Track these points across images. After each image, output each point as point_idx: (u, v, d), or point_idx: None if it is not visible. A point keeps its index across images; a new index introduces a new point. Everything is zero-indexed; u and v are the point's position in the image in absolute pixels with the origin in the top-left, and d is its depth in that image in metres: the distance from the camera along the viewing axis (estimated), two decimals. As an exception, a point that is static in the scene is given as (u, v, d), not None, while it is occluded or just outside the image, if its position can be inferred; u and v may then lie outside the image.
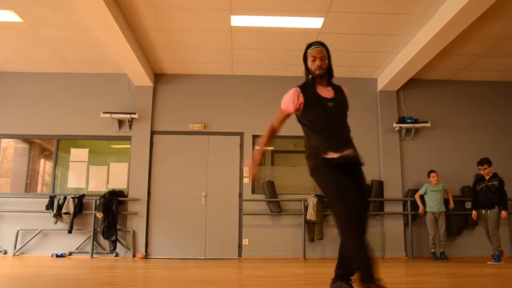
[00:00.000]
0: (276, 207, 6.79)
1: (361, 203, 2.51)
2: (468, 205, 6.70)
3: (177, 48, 6.43)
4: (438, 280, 3.67)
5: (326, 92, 2.67)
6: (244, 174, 7.05)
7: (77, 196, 6.72)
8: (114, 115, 6.94)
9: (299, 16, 5.47)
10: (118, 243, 6.65)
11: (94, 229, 6.65)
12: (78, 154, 7.16)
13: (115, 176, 7.11)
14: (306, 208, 6.75)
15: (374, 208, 6.92)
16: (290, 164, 7.47)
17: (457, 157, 7.19)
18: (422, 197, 6.69)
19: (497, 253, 5.65)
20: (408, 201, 6.89)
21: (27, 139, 7.39)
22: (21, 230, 6.68)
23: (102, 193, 6.75)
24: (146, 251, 6.75)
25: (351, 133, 2.75)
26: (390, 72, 6.86)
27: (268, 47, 6.37)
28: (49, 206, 6.63)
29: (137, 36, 6.02)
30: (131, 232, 6.73)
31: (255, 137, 7.19)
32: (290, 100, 2.64)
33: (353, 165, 2.60)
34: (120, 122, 7.10)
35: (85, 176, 7.08)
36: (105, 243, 6.67)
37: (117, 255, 6.66)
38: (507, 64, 6.86)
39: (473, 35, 5.83)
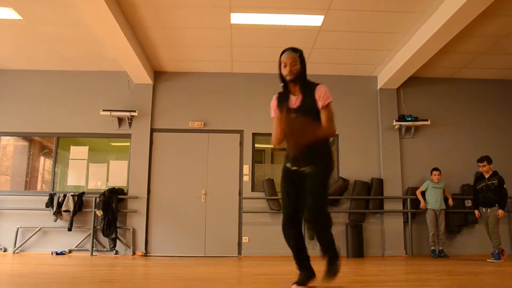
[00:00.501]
0: (276, 205, 6.79)
1: (307, 207, 2.72)
2: (468, 203, 6.71)
3: (177, 46, 6.41)
4: (438, 278, 3.67)
5: (294, 101, 2.82)
6: (244, 172, 7.05)
7: (77, 193, 6.72)
8: (114, 113, 6.93)
9: (299, 14, 5.46)
10: (118, 241, 6.66)
11: (94, 227, 6.65)
12: (78, 152, 7.15)
13: (115, 174, 7.11)
14: (306, 206, 6.74)
15: (374, 206, 6.92)
16: (290, 162, 7.46)
17: (457, 155, 7.19)
18: (423, 194, 6.71)
19: (496, 251, 5.65)
20: (408, 199, 6.89)
21: (27, 137, 7.38)
22: (21, 227, 6.68)
23: (102, 191, 6.75)
24: (146, 249, 6.75)
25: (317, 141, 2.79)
26: (390, 70, 6.86)
27: (268, 45, 6.36)
28: (49, 204, 6.63)
29: (137, 33, 6.00)
30: (131, 230, 6.73)
31: (255, 135, 7.19)
32: (273, 106, 2.91)
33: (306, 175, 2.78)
34: (120, 120, 7.09)
35: (85, 173, 7.08)
36: (105, 241, 6.67)
37: (117, 252, 6.66)
38: (507, 62, 6.84)
39: (473, 33, 5.82)
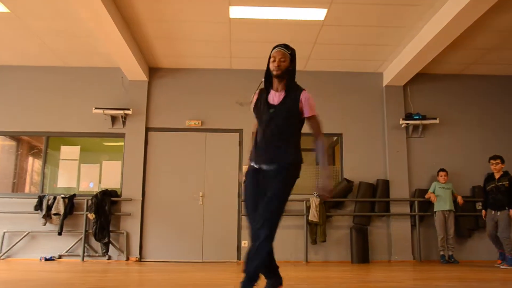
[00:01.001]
0: (277, 208, 6.75)
1: (260, 209, 2.66)
2: (479, 205, 6.69)
3: (173, 41, 6.38)
4: (447, 284, 3.64)
5: (275, 97, 2.86)
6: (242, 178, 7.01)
7: (67, 196, 6.69)
8: (106, 111, 6.90)
9: (301, 7, 5.43)
10: (110, 245, 6.62)
11: (86, 231, 6.61)
12: (69, 152, 7.12)
13: (107, 175, 7.08)
14: (308, 208, 6.72)
15: (380, 209, 6.89)
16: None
17: (467, 155, 7.16)
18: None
19: (510, 257, 5.63)
20: (416, 202, 6.86)
21: (15, 136, 7.34)
22: (7, 232, 6.64)
23: (94, 193, 6.72)
24: (140, 254, 6.72)
25: (289, 142, 2.81)
26: (396, 66, 6.83)
27: (268, 40, 6.32)
28: (38, 207, 6.60)
29: (131, 27, 5.97)
30: (125, 234, 6.70)
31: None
32: (252, 100, 3.00)
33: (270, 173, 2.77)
34: (113, 119, 7.06)
35: (76, 175, 7.05)
36: (97, 245, 6.63)
37: (109, 258, 6.63)
38: (520, 57, 6.83)
39: (483, 27, 5.79)
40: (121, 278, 4.25)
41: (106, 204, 6.59)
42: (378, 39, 6.26)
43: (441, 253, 6.44)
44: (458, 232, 6.73)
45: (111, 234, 6.62)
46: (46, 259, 6.45)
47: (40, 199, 6.63)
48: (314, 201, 6.68)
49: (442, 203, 6.55)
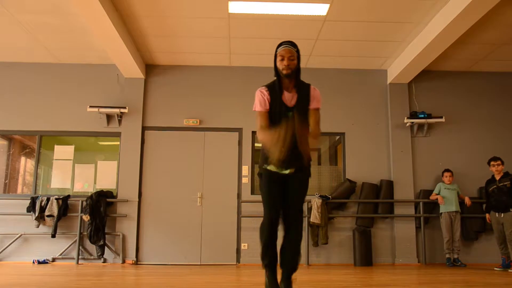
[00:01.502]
0: (278, 209, 6.76)
1: (288, 210, 2.95)
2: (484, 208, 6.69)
3: (170, 37, 6.38)
4: (454, 288, 3.64)
5: (290, 98, 2.89)
6: (243, 174, 7.02)
7: (61, 197, 6.69)
8: (102, 109, 6.90)
9: (302, 2, 5.43)
10: (106, 248, 6.63)
11: (80, 233, 6.61)
12: (63, 152, 7.12)
13: (103, 175, 7.09)
14: (309, 210, 6.73)
15: (383, 210, 6.90)
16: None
17: (474, 155, 7.16)
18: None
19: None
20: (421, 203, 6.86)
21: (6, 135, 7.33)
22: None
23: (89, 194, 6.72)
24: (136, 256, 6.72)
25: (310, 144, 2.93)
26: (401, 63, 6.83)
27: (269, 36, 6.33)
28: (31, 208, 6.60)
29: (127, 23, 5.97)
30: (121, 236, 6.70)
31: (254, 133, 7.15)
32: (260, 100, 2.93)
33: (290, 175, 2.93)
34: (109, 117, 7.06)
35: (70, 175, 7.05)
36: (92, 248, 6.64)
37: (105, 261, 6.63)
38: (529, 54, 6.82)
39: (492, 22, 5.79)
40: (117, 281, 4.25)
41: (101, 206, 6.59)
42: (382, 35, 6.25)
43: (447, 256, 6.45)
44: (464, 234, 6.73)
45: (106, 236, 6.62)
46: (39, 262, 6.45)
47: (33, 200, 6.63)
48: (316, 202, 6.69)
49: (448, 204, 6.55)
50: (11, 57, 7.12)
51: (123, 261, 6.65)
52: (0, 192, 7.07)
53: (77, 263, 6.52)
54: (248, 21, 5.89)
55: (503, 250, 5.95)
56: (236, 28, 6.09)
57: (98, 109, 6.88)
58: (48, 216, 6.57)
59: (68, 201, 6.72)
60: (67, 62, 7.26)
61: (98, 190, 6.82)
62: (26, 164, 7.49)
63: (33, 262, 6.46)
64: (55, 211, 6.58)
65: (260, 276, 4.77)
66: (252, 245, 6.80)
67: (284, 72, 2.83)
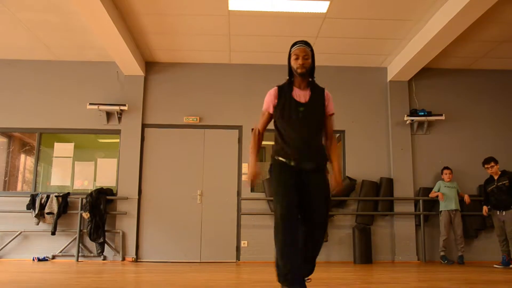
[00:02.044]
0: (277, 207, 6.76)
1: (313, 210, 2.81)
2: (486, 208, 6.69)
3: (170, 34, 6.36)
4: (453, 286, 3.64)
5: (301, 95, 2.88)
6: (243, 171, 7.01)
7: (61, 194, 6.68)
8: (101, 107, 6.88)
9: (302, 0, 5.40)
10: (106, 245, 6.62)
11: (80, 231, 6.61)
12: (62, 149, 7.11)
13: (103, 173, 7.08)
14: (309, 208, 6.71)
15: (383, 208, 6.90)
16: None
17: (474, 153, 7.15)
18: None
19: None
20: (420, 201, 6.86)
21: (6, 133, 7.32)
22: None
23: (89, 191, 6.71)
24: (136, 254, 6.72)
25: (322, 141, 3.03)
26: (401, 61, 6.82)
27: (269, 34, 6.31)
28: (31, 206, 6.59)
29: (127, 20, 5.95)
30: (120, 234, 6.70)
31: (254, 131, 7.14)
32: (269, 99, 2.95)
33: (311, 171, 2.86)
34: (109, 115, 7.04)
35: (70, 173, 7.04)
36: (92, 245, 6.63)
37: (105, 258, 6.63)
38: (530, 51, 6.81)
39: (493, 20, 5.77)
40: (117, 279, 4.25)
41: (101, 203, 6.59)
42: (382, 32, 6.24)
43: (442, 253, 6.46)
44: (464, 232, 6.72)
45: (106, 233, 6.62)
46: (39, 260, 6.45)
47: (33, 197, 6.62)
48: (316, 200, 6.67)
49: (448, 202, 6.56)
50: (11, 54, 7.10)
51: (123, 259, 6.65)
52: (0, 189, 7.06)
53: (77, 260, 6.52)
54: (248, 18, 5.87)
55: (504, 248, 5.95)
56: (236, 26, 6.08)
57: (98, 107, 6.87)
58: (48, 213, 6.56)
59: (68, 199, 6.71)
60: (67, 59, 7.25)
61: (98, 187, 6.81)
62: (26, 162, 7.49)
63: (33, 260, 6.46)
64: (55, 209, 6.57)
65: (260, 274, 4.77)
66: (252, 242, 6.80)
67: (299, 71, 2.86)
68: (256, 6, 5.55)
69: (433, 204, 6.88)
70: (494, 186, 5.98)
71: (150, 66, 7.31)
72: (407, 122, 7.14)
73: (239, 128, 7.17)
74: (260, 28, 6.13)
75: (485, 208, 6.15)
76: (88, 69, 7.25)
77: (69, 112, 7.08)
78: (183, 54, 7.05)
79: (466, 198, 6.62)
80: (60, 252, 6.64)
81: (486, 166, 6.10)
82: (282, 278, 2.70)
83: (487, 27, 5.99)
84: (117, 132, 7.09)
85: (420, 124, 7.20)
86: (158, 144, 7.09)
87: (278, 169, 2.86)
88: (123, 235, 6.71)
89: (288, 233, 2.67)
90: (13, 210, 6.68)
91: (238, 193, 6.97)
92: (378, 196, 6.90)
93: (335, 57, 7.08)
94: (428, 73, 7.28)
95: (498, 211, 5.95)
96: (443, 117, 7.07)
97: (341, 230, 6.90)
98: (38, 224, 6.58)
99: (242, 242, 6.82)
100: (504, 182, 5.89)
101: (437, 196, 6.64)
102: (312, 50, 2.92)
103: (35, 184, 6.96)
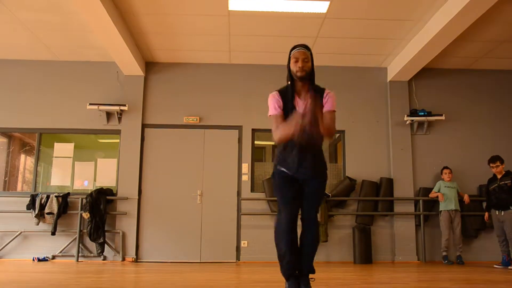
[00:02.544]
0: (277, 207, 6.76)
1: (306, 213, 2.93)
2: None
3: (170, 34, 6.36)
4: (453, 286, 3.64)
5: (301, 104, 2.85)
6: (243, 171, 7.01)
7: (61, 194, 6.67)
8: (101, 107, 6.88)
9: (302, 0, 5.40)
10: (106, 245, 6.62)
11: (80, 231, 6.61)
12: (62, 149, 7.10)
13: (103, 173, 7.07)
14: (309, 208, 6.71)
15: (383, 208, 6.89)
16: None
17: (474, 153, 7.15)
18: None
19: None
20: (420, 201, 6.86)
21: (6, 133, 7.32)
22: None
23: (89, 192, 6.71)
24: (136, 254, 6.72)
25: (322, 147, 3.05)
26: (401, 61, 6.81)
27: (269, 34, 6.31)
28: (30, 206, 6.59)
29: (127, 20, 5.94)
30: (120, 234, 6.70)
31: (254, 131, 7.15)
32: (273, 105, 2.90)
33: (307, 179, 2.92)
34: (109, 115, 7.04)
35: (70, 173, 7.04)
36: (92, 245, 6.63)
37: (105, 258, 6.63)
38: (531, 51, 6.80)
39: (494, 19, 5.76)
40: (117, 279, 4.25)
41: (101, 203, 6.58)
42: (382, 32, 6.23)
43: (444, 253, 6.46)
44: (464, 232, 6.73)
45: (106, 233, 6.61)
46: (39, 260, 6.44)
47: (33, 197, 6.62)
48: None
49: (448, 202, 6.56)
50: (11, 54, 7.10)
51: (123, 259, 6.64)
52: (0, 189, 7.06)
53: (77, 260, 6.51)
54: (248, 18, 5.87)
55: (504, 248, 5.95)
56: (236, 26, 6.07)
57: (98, 107, 6.86)
58: (48, 213, 6.56)
59: (68, 199, 6.70)
60: (67, 59, 7.25)
61: (98, 187, 6.81)
62: (26, 162, 7.49)
63: (33, 260, 6.46)
64: (55, 209, 6.57)
65: (260, 274, 4.77)
66: (252, 243, 6.79)
67: (299, 74, 2.82)
68: (256, 6, 5.54)
69: (433, 204, 6.88)
70: (496, 185, 5.99)
71: (150, 66, 7.31)
72: (407, 122, 7.14)
73: (239, 128, 7.16)
74: (260, 28, 6.13)
75: (486, 215, 6.14)
76: (88, 69, 7.24)
77: (69, 112, 7.08)
78: (183, 54, 7.05)
79: (466, 198, 6.63)
80: (60, 252, 6.63)
81: (491, 164, 6.08)
82: (286, 278, 2.95)
83: (487, 27, 5.99)
84: (117, 132, 7.09)
85: (420, 124, 7.19)
86: (158, 144, 7.09)
87: (279, 181, 2.94)
88: (123, 235, 6.71)
89: (289, 243, 2.86)
90: (13, 210, 6.68)
91: (238, 193, 6.97)
92: (378, 196, 6.90)
93: (335, 57, 7.08)
94: (428, 73, 7.28)
95: (497, 211, 5.96)
96: (443, 117, 7.07)
97: (341, 230, 6.89)
98: (38, 224, 6.58)
99: (242, 242, 6.82)
100: (507, 181, 5.89)
101: (437, 197, 6.64)
102: (311, 55, 2.90)
103: (35, 184, 6.95)
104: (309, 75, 2.87)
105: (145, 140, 7.09)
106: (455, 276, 4.53)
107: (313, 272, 2.97)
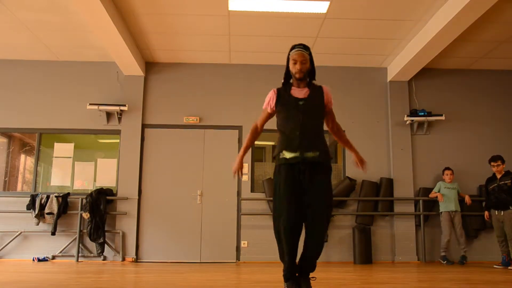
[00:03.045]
0: (277, 207, 6.76)
1: (312, 210, 2.81)
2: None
3: (170, 34, 6.36)
4: (454, 287, 3.64)
5: (300, 93, 2.95)
6: (243, 171, 6.99)
7: (61, 194, 6.67)
8: (101, 107, 6.88)
9: (302, 0, 5.40)
10: (106, 245, 6.62)
11: (80, 231, 6.61)
12: (62, 149, 7.10)
13: (103, 173, 7.07)
14: (309, 208, 6.71)
15: (383, 208, 6.89)
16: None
17: (474, 153, 7.15)
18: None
19: None
20: (420, 201, 6.86)
21: (6, 133, 7.32)
22: None
23: (89, 192, 6.71)
24: (136, 254, 6.72)
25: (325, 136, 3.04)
26: (401, 61, 6.81)
27: (269, 34, 6.31)
28: (31, 206, 6.59)
29: (127, 20, 5.94)
30: (120, 234, 6.70)
31: (254, 131, 7.14)
32: (267, 100, 3.04)
33: (313, 167, 2.84)
34: (109, 115, 7.04)
35: (70, 173, 7.03)
36: (92, 245, 6.63)
37: (105, 258, 6.63)
38: (531, 51, 6.80)
39: (494, 19, 5.76)
40: (117, 279, 4.25)
41: (101, 203, 6.58)
42: (382, 32, 6.23)
43: (443, 253, 6.45)
44: (464, 232, 6.71)
45: (106, 234, 6.61)
46: (39, 260, 6.44)
47: (33, 198, 6.62)
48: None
49: (448, 203, 6.55)
50: (10, 54, 7.10)
51: (123, 259, 6.64)
52: (0, 189, 7.06)
53: (77, 260, 6.51)
54: (248, 18, 5.87)
55: (503, 248, 5.95)
56: (236, 26, 6.07)
57: (98, 107, 6.86)
58: (48, 213, 6.56)
59: (68, 199, 6.70)
60: (66, 59, 7.24)
61: (98, 187, 6.80)
62: (25, 162, 7.48)
63: (33, 260, 6.45)
64: (55, 209, 6.57)
65: (260, 274, 4.77)
66: (252, 243, 6.79)
67: (297, 76, 2.92)
68: (256, 6, 5.54)
69: (433, 205, 6.88)
70: (496, 184, 5.99)
71: (150, 66, 7.31)
72: (407, 122, 7.14)
73: (239, 128, 7.16)
74: (260, 28, 6.13)
75: (486, 213, 6.14)
76: (88, 69, 7.24)
77: (69, 112, 7.08)
78: (183, 54, 7.05)
79: (467, 199, 6.61)
80: (60, 252, 6.63)
81: (492, 163, 6.07)
82: (286, 281, 2.95)
83: (487, 27, 5.99)
84: (117, 132, 7.09)
85: (420, 124, 7.19)
86: (158, 145, 7.09)
87: (280, 177, 2.87)
88: (123, 235, 6.71)
89: (291, 248, 2.83)
90: (13, 210, 6.68)
91: (238, 193, 6.96)
92: (378, 196, 6.90)
93: (335, 57, 7.08)
94: (428, 73, 7.28)
95: (496, 211, 5.95)
96: (443, 118, 7.06)
97: (341, 230, 6.89)
98: (38, 224, 6.57)
99: (242, 242, 6.82)
100: (506, 181, 5.89)
101: (436, 197, 6.63)
102: (310, 54, 2.96)
103: (35, 184, 6.95)
104: (307, 76, 2.97)
105: (145, 140, 7.09)
106: (455, 276, 4.53)
107: (314, 270, 2.96)
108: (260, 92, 7.03)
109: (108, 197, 6.70)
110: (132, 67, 6.86)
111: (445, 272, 5.01)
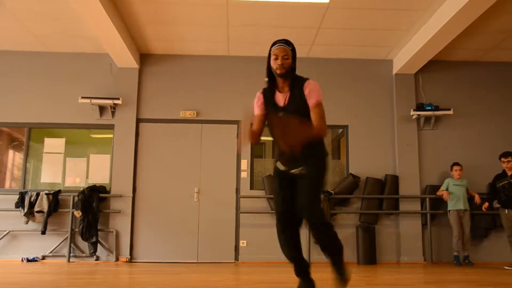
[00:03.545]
0: (278, 205, 6.75)
1: (296, 210, 2.89)
2: (496, 204, 6.66)
3: (166, 24, 6.32)
4: (463, 288, 3.63)
5: (282, 99, 2.90)
6: (242, 168, 7.00)
7: (52, 192, 6.67)
8: (94, 101, 6.86)
9: (305, -12, 5.38)
10: (99, 245, 6.62)
11: (72, 230, 6.60)
12: (53, 145, 7.09)
13: (95, 169, 7.07)
14: (311, 206, 6.70)
15: (388, 206, 6.88)
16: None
17: (483, 149, 7.15)
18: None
19: None
20: (427, 199, 6.85)
21: (-5, 128, 7.30)
22: (-12, 230, 6.63)
23: (81, 189, 6.69)
24: (130, 254, 6.72)
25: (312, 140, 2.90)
26: (407, 53, 6.79)
27: (269, 24, 6.28)
28: (19, 204, 6.58)
29: (120, 9, 5.91)
30: (114, 233, 6.69)
31: (254, 126, 7.12)
32: (255, 105, 3.05)
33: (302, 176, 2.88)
34: (102, 109, 7.02)
35: (61, 169, 7.03)
36: (84, 245, 6.63)
37: (97, 258, 6.63)
38: (544, 42, 6.77)
39: (504, 9, 5.73)
40: (110, 280, 4.25)
41: (94, 201, 6.57)
42: (388, 23, 6.21)
43: (455, 253, 6.44)
44: (473, 231, 6.71)
45: (99, 233, 6.61)
46: (29, 260, 6.43)
47: (22, 195, 6.60)
48: (318, 198, 6.66)
49: (456, 201, 6.52)
50: (-2, 45, 7.07)
51: (117, 259, 6.64)
52: (-12, 187, 7.05)
53: (68, 261, 6.51)
54: (248, 8, 5.83)
55: None
56: (235, 16, 6.04)
57: (91, 100, 6.84)
58: (38, 212, 6.55)
59: (59, 196, 6.70)
60: (57, 50, 7.21)
61: (91, 184, 6.80)
62: (14, 158, 7.47)
63: (22, 260, 6.44)
64: (45, 207, 6.56)
65: (259, 275, 4.76)
66: (251, 242, 6.79)
67: (278, 71, 2.84)
68: (256, -6, 5.51)
69: (440, 203, 6.87)
70: (506, 182, 5.96)
71: (145, 58, 7.28)
72: (414, 117, 7.12)
73: (238, 123, 7.14)
74: (259, 18, 6.10)
75: (486, 204, 6.12)
76: (80, 61, 7.21)
77: (60, 106, 7.05)
78: (180, 45, 7.01)
79: (477, 198, 6.54)
80: (51, 252, 6.62)
81: (503, 159, 6.05)
82: (296, 275, 3.05)
83: (498, 17, 5.96)
84: (110, 127, 7.07)
85: (427, 119, 7.17)
86: (154, 140, 7.07)
87: (275, 175, 3.01)
88: (117, 235, 6.70)
89: (282, 243, 3.01)
90: (1, 208, 6.66)
91: (237, 191, 6.95)
92: (383, 194, 6.89)
93: (338, 49, 7.05)
94: (435, 66, 7.26)
95: (507, 210, 5.94)
96: (451, 112, 7.05)
97: (344, 229, 6.88)
98: (27, 223, 6.57)
99: (241, 241, 6.82)
100: None
101: (442, 195, 6.61)
102: (293, 50, 2.90)
103: (24, 182, 6.93)
104: (289, 73, 2.87)
105: (140, 136, 7.07)
106: (463, 278, 4.52)
107: (339, 253, 3.00)
108: (260, 85, 7.00)
109: (101, 195, 6.69)
110: (126, 59, 6.84)
111: (453, 274, 5.01)
